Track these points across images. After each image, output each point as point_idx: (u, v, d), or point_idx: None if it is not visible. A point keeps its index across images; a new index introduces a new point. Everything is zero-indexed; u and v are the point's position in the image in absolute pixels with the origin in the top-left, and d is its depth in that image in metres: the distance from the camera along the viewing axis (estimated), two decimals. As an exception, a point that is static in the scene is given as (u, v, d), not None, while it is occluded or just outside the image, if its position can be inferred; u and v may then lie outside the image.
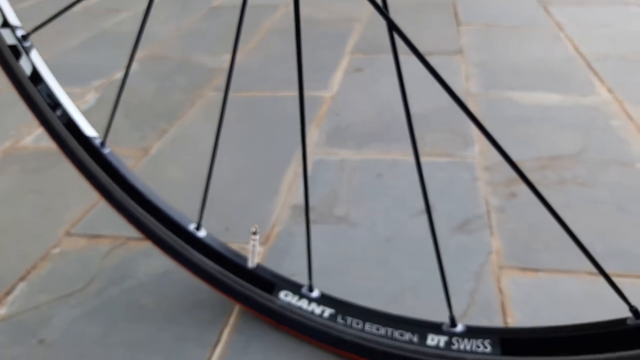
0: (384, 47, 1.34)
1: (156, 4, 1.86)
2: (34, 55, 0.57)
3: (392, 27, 0.39)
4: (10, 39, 0.55)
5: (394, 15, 1.57)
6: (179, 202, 0.74)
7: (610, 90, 1.05)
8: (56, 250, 0.71)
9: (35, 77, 0.58)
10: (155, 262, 0.67)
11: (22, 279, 0.66)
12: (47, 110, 0.59)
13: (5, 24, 0.55)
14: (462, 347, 0.45)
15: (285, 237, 0.71)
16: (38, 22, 1.74)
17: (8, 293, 0.64)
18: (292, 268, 0.65)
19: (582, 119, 0.95)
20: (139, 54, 1.41)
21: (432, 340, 0.46)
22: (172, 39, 1.52)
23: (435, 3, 1.70)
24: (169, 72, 1.29)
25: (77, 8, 1.91)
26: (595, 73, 1.13)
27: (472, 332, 0.45)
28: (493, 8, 1.62)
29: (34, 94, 0.58)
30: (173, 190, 0.82)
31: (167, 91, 1.18)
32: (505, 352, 0.42)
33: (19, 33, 0.56)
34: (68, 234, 0.74)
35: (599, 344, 0.38)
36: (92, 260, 0.69)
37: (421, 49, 1.32)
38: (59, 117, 0.58)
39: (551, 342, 0.40)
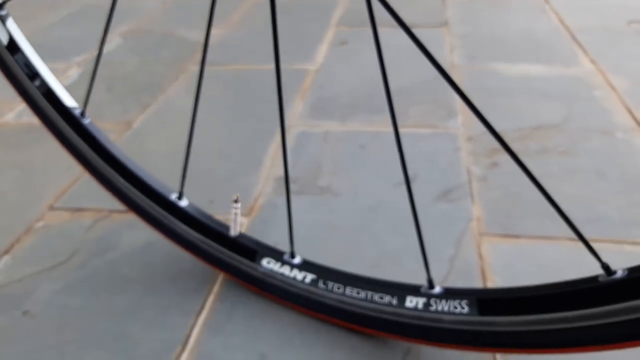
0: (367, 19, 1.33)
1: (139, -22, 1.83)
2: (10, 24, 0.56)
3: None
4: (-16, 8, 0.54)
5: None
6: (162, 175, 0.74)
7: (593, 61, 1.06)
8: (39, 224, 0.71)
9: (12, 46, 0.57)
10: (138, 233, 0.67)
11: (6, 252, 0.66)
12: (25, 80, 0.58)
13: (-21, -8, 0.54)
14: (439, 308, 0.45)
15: (268, 208, 0.71)
16: (18, -2, 1.71)
17: (-9, 265, 0.64)
18: (276, 238, 0.65)
19: (565, 90, 0.96)
20: (122, 28, 1.39)
21: (411, 302, 0.47)
22: (157, 13, 1.49)
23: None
24: (152, 46, 1.27)
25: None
26: (579, 44, 1.14)
27: (450, 294, 0.45)
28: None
29: (11, 64, 0.58)
30: (156, 163, 0.82)
31: (151, 65, 1.17)
32: (482, 312, 0.43)
33: (-6, 2, 0.55)
34: (51, 207, 0.74)
35: (573, 302, 0.39)
36: (76, 233, 0.69)
37: (407, 21, 1.32)
38: (38, 87, 0.58)
39: (526, 301, 0.41)
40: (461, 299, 0.44)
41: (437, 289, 0.46)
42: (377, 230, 0.66)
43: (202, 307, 0.56)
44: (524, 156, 0.78)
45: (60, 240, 0.68)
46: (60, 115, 0.59)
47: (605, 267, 0.37)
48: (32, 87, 0.58)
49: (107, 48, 1.27)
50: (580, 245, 0.62)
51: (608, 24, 1.24)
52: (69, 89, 1.06)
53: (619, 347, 0.37)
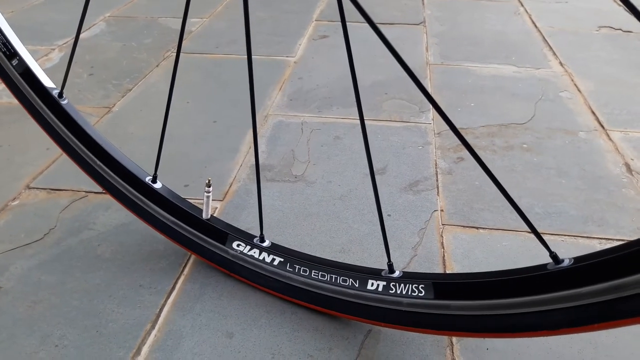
0: (349, 15, 1.35)
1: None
2: (-10, 4, 0.57)
3: None
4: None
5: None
6: (140, 157, 0.75)
7: (562, 64, 1.09)
8: (15, 203, 0.72)
9: (-9, 25, 0.58)
10: (113, 214, 0.69)
11: (-20, 229, 0.67)
12: (2, 59, 0.59)
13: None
14: (398, 291, 0.48)
15: (242, 194, 0.73)
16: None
17: (-35, 241, 0.65)
18: (249, 222, 0.68)
19: (534, 90, 0.99)
20: (106, 14, 1.39)
21: (372, 285, 0.49)
22: (142, 0, 1.50)
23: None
24: (135, 32, 1.28)
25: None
26: (550, 47, 1.17)
27: (408, 277, 0.48)
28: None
29: (-10, 44, 0.59)
30: (134, 146, 0.83)
31: (133, 51, 1.18)
32: (437, 296, 0.46)
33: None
34: (28, 187, 0.75)
35: (523, 288, 0.42)
36: (51, 213, 0.70)
37: (386, 19, 1.34)
38: (15, 67, 0.59)
39: (479, 286, 0.44)
40: (418, 283, 0.47)
41: (396, 273, 0.49)
42: (347, 218, 0.68)
43: (173, 287, 0.58)
44: (490, 152, 0.81)
45: (35, 219, 0.69)
46: (38, 95, 0.60)
47: (554, 256, 0.40)
48: (10, 66, 0.59)
49: (90, 33, 1.27)
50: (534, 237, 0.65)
51: (578, 28, 1.28)
52: (50, 71, 1.06)
53: (566, 332, 0.40)
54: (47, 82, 0.60)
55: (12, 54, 0.59)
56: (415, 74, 0.41)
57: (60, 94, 0.60)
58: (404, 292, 0.48)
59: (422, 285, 0.47)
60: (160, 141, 0.57)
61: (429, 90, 1.00)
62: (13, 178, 0.77)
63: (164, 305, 0.56)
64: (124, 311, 0.56)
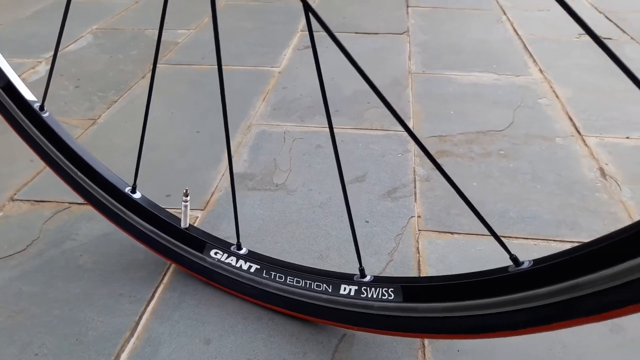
0: (332, 25, 1.37)
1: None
2: (-28, 20, 0.59)
3: (308, 9, 0.43)
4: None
5: (347, -6, 1.60)
6: (124, 168, 0.76)
7: (541, 71, 1.11)
8: (-1, 215, 0.73)
9: (-27, 42, 0.59)
10: (95, 225, 0.70)
11: (-37, 240, 0.68)
12: (-16, 74, 0.60)
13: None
14: (370, 295, 0.49)
15: (223, 203, 0.74)
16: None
17: (-52, 253, 0.66)
18: (229, 231, 0.69)
19: (513, 97, 1.01)
20: (93, 26, 1.40)
21: (345, 289, 0.51)
22: (128, 12, 1.51)
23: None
24: (122, 45, 1.29)
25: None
26: (530, 54, 1.19)
27: (379, 282, 0.49)
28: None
29: (-29, 57, 0.60)
30: (118, 158, 0.84)
31: (119, 63, 1.19)
32: (405, 299, 0.47)
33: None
34: (12, 199, 0.76)
35: (486, 290, 0.43)
36: (35, 224, 0.71)
37: (370, 29, 1.36)
38: (-3, 81, 0.60)
39: (445, 289, 0.45)
40: (388, 286, 0.48)
41: (368, 278, 0.50)
42: (326, 225, 0.70)
43: (152, 296, 0.59)
44: (467, 159, 0.82)
45: (19, 230, 0.70)
46: (19, 108, 0.61)
47: (514, 258, 0.42)
48: (-8, 80, 0.60)
49: (77, 45, 1.29)
50: (510, 240, 0.66)
51: (559, 36, 1.30)
52: (37, 83, 1.08)
53: (527, 332, 0.41)
54: (28, 95, 0.61)
55: (-8, 67, 0.60)
56: (379, 90, 0.42)
57: (42, 107, 0.61)
58: (374, 296, 0.49)
59: (392, 289, 0.48)
60: (139, 152, 0.58)
61: (410, 99, 1.01)
62: (-3, 190, 0.78)
63: (143, 313, 0.57)
64: (104, 319, 0.57)
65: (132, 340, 0.54)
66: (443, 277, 0.46)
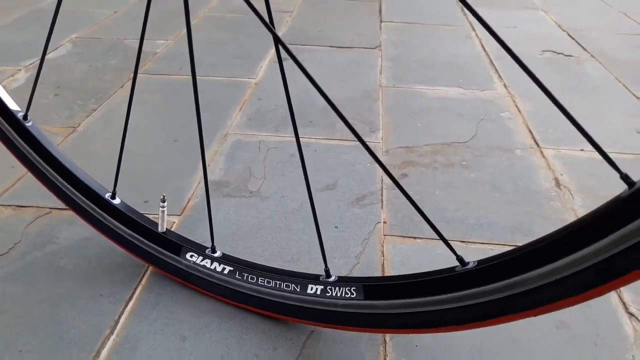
0: (308, 38, 1.42)
1: (91, -15, 1.86)
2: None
3: (278, 42, 0.47)
4: None
5: (317, 8, 1.65)
6: (103, 175, 0.79)
7: (506, 86, 1.18)
8: (-19, 219, 0.75)
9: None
10: (76, 229, 0.73)
11: (-54, 244, 0.70)
12: (-29, 85, 0.63)
13: None
14: (334, 293, 0.53)
15: (199, 209, 0.78)
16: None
17: None
18: (204, 235, 0.72)
19: (477, 110, 1.07)
20: (73, 35, 1.43)
21: (312, 289, 0.55)
22: (108, 22, 1.54)
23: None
24: (101, 54, 1.32)
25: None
26: (496, 70, 1.26)
27: (342, 281, 0.53)
28: (416, 6, 1.73)
29: (-41, 70, 0.63)
30: (98, 164, 0.87)
31: (98, 72, 1.22)
32: (366, 297, 0.51)
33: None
34: (-7, 204, 0.78)
35: (437, 288, 0.47)
36: (17, 228, 0.73)
37: (344, 43, 1.41)
38: (-19, 91, 0.63)
39: (401, 287, 0.50)
40: (350, 285, 0.52)
41: (332, 278, 0.54)
42: (297, 230, 0.74)
43: (131, 296, 0.63)
44: (432, 169, 0.87)
45: (1, 234, 0.72)
46: (3, 118, 0.64)
47: (460, 259, 0.46)
48: (-24, 90, 0.63)
49: (57, 54, 1.31)
50: (468, 245, 0.71)
51: (524, 52, 1.37)
52: (16, 91, 1.10)
53: (473, 327, 0.46)
54: (12, 105, 0.64)
55: (-21, 79, 0.63)
56: (338, 109, 0.46)
57: (25, 117, 0.64)
58: (339, 295, 0.53)
59: (354, 288, 0.52)
60: (119, 160, 0.62)
61: (380, 111, 1.06)
62: (-21, 195, 0.80)
63: (122, 313, 0.60)
64: (85, 318, 0.60)
65: (112, 337, 0.57)
66: (399, 277, 0.51)
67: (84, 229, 0.72)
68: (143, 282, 0.65)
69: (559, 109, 0.38)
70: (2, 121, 0.64)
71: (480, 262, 0.45)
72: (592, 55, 1.36)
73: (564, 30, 1.55)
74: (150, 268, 0.66)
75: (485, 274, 0.44)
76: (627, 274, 0.37)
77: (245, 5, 1.69)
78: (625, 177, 0.38)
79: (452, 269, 0.47)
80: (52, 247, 0.70)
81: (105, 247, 0.69)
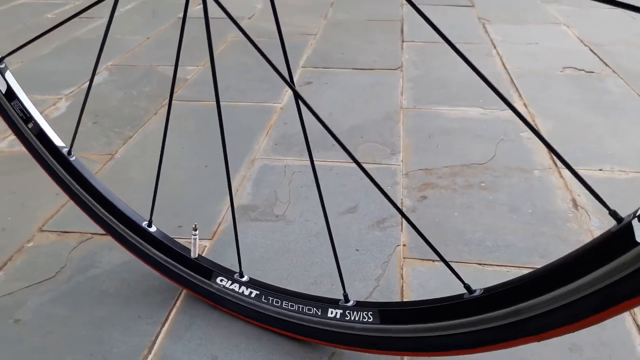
0: (332, 61, 1.47)
1: (127, 13, 1.95)
2: (8, 75, 0.68)
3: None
4: (-12, 64, 0.66)
5: (340, 29, 1.69)
6: (139, 200, 0.85)
7: (525, 105, 1.20)
8: (30, 245, 0.82)
9: (10, 94, 0.68)
10: (117, 253, 0.79)
11: (-1, 269, 0.77)
12: (20, 123, 0.69)
13: (-15, 51, 0.65)
14: (352, 317, 0.57)
15: (229, 233, 0.82)
16: (10, 28, 1.83)
17: (-13, 280, 0.74)
18: (233, 258, 0.77)
19: (497, 131, 1.09)
20: (108, 62, 1.51)
21: (332, 313, 0.59)
22: (141, 48, 1.62)
23: (385, 19, 1.83)
24: (135, 81, 1.39)
25: (51, 15, 1.99)
26: (516, 88, 1.28)
27: (360, 306, 0.57)
28: (438, 24, 1.76)
29: (9, 109, 0.69)
30: (134, 191, 0.93)
31: (133, 99, 1.29)
32: (382, 321, 0.55)
33: (-5, 58, 0.66)
34: (40, 230, 0.85)
35: (446, 314, 0.51)
36: (62, 253, 0.80)
37: (366, 65, 1.45)
38: (31, 129, 0.69)
39: (414, 313, 0.53)
40: (367, 310, 0.56)
41: (351, 302, 0.58)
42: (320, 253, 0.78)
43: (167, 318, 0.68)
44: (451, 191, 0.91)
45: (48, 259, 0.79)
46: (50, 153, 0.70)
47: (467, 287, 0.50)
48: (27, 129, 0.70)
49: (94, 81, 1.39)
50: (485, 268, 0.74)
51: (544, 69, 1.39)
52: (58, 120, 1.17)
53: (482, 351, 0.49)
54: (57, 141, 0.70)
55: (28, 118, 0.69)
56: (337, 137, 0.50)
57: (69, 152, 0.70)
58: (356, 319, 0.57)
59: (371, 312, 0.56)
60: (155, 190, 0.67)
61: (401, 133, 1.10)
62: (27, 221, 0.86)
63: (159, 334, 0.65)
64: (125, 339, 0.65)
65: (150, 357, 0.62)
66: (412, 302, 0.54)
67: (124, 254, 0.78)
68: (178, 304, 0.70)
69: (531, 130, 0.41)
70: (49, 156, 0.70)
71: (486, 289, 0.49)
72: (613, 71, 1.37)
73: (586, 46, 1.56)
74: (184, 291, 0.71)
75: (491, 301, 0.47)
76: (622, 303, 0.40)
77: (271, 28, 1.75)
78: (614, 214, 0.42)
79: (460, 296, 0.51)
80: (95, 271, 0.76)
81: (143, 271, 0.75)
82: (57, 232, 0.84)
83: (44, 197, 0.92)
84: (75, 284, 0.74)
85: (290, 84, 0.51)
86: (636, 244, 0.39)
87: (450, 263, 0.75)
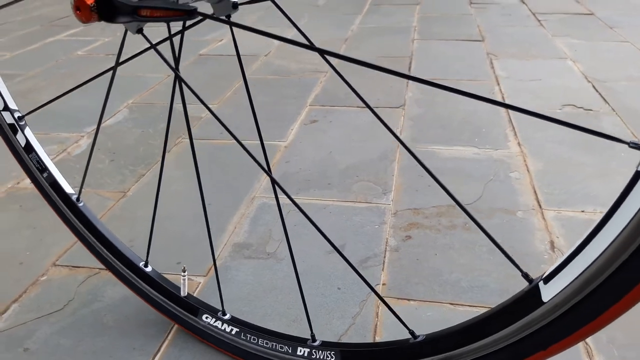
0: (338, 99, 1.54)
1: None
2: (27, 131, 0.77)
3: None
4: (9, 119, 0.75)
5: (351, 67, 1.77)
6: (144, 238, 0.93)
7: (519, 144, 1.24)
8: (44, 278, 0.90)
9: (28, 147, 0.77)
10: (119, 288, 0.86)
11: (14, 301, 0.85)
12: (37, 173, 0.78)
13: (6, 108, 0.74)
14: (317, 356, 0.63)
15: (222, 270, 0.89)
16: (43, 65, 1.96)
17: (3, 312, 0.83)
18: (225, 295, 0.84)
19: (488, 171, 1.14)
20: (129, 100, 1.61)
21: (300, 351, 0.64)
22: (160, 86, 1.72)
23: (395, 55, 1.90)
24: (153, 119, 1.49)
25: (81, 52, 2.13)
26: (513, 127, 1.32)
27: (325, 346, 0.63)
28: (444, 61, 1.82)
29: (27, 161, 0.78)
30: (141, 229, 1.01)
31: (149, 137, 1.38)
32: (343, 360, 0.61)
33: (16, 115, 0.76)
34: (54, 264, 0.93)
35: (395, 356, 0.56)
36: (71, 287, 0.88)
37: (370, 103, 1.52)
38: (45, 179, 0.78)
39: (368, 354, 0.59)
40: (331, 350, 0.62)
41: (317, 342, 0.64)
42: (304, 292, 0.84)
43: (159, 350, 0.74)
44: (434, 231, 0.96)
45: (58, 292, 0.87)
46: (61, 199, 0.78)
47: (411, 332, 0.55)
48: (42, 178, 0.78)
49: (114, 119, 1.49)
50: (457, 308, 0.79)
51: (543, 107, 1.43)
52: (78, 158, 1.27)
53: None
54: (68, 189, 0.79)
55: (43, 168, 0.78)
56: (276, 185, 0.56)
57: (78, 199, 0.78)
58: (321, 357, 0.62)
59: (333, 352, 0.62)
60: (150, 236, 0.74)
61: (395, 172, 1.15)
62: (43, 256, 0.95)
63: (150, 365, 0.72)
64: (119, 369, 0.72)
65: (139, 387, 0.69)
66: (368, 344, 0.60)
67: (125, 289, 0.85)
68: (169, 337, 0.76)
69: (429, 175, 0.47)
70: (61, 202, 0.79)
71: (428, 335, 0.54)
72: (612, 109, 1.40)
73: (589, 82, 1.59)
74: (175, 326, 0.78)
75: (430, 346, 0.53)
76: (533, 355, 0.45)
77: (285, 66, 1.83)
78: (525, 275, 0.47)
79: (407, 340, 0.56)
80: (98, 304, 0.84)
81: (140, 306, 0.82)
82: (69, 267, 0.92)
83: (60, 234, 1.01)
84: (80, 316, 0.81)
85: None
86: (542, 303, 0.44)
87: (424, 303, 0.80)
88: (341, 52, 1.98)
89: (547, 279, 0.44)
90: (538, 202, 1.03)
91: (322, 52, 0.47)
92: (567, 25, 2.21)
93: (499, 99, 1.49)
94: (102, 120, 1.49)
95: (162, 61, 0.65)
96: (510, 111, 1.41)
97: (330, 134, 1.34)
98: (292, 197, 1.07)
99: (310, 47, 0.51)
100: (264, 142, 1.31)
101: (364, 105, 0.55)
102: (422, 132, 1.32)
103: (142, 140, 1.37)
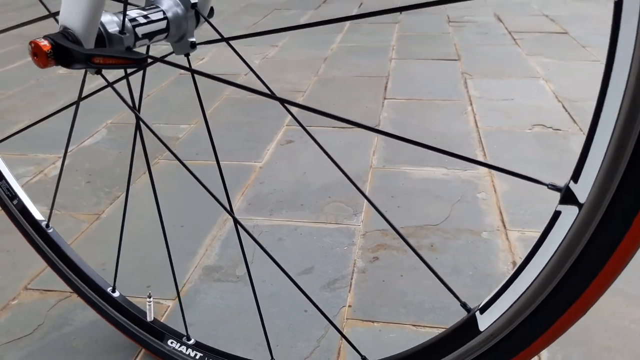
0: (315, 119, 1.56)
1: (131, 69, 2.09)
2: (-2, 159, 0.79)
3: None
4: (-20, 148, 0.77)
5: (328, 87, 1.79)
6: (114, 261, 0.94)
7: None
8: (14, 302, 0.91)
9: (-2, 175, 0.79)
10: (89, 312, 0.87)
11: (-15, 325, 0.86)
12: (6, 200, 0.80)
13: (-24, 138, 0.76)
14: (278, 380, 0.64)
15: (192, 294, 0.91)
16: (23, 84, 1.97)
17: (-28, 337, 0.84)
18: (193, 319, 0.85)
19: (456, 192, 1.16)
20: (108, 120, 1.63)
21: (261, 375, 0.66)
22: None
23: (372, 75, 1.94)
24: (131, 140, 1.50)
25: (62, 71, 2.14)
26: (482, 147, 1.35)
27: (284, 370, 0.65)
28: (420, 80, 1.86)
29: (-3, 188, 0.79)
30: (113, 252, 1.02)
31: (126, 158, 1.40)
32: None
33: (-14, 145, 0.77)
34: (26, 288, 0.94)
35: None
36: (41, 310, 0.88)
37: (343, 123, 1.54)
38: (15, 205, 0.79)
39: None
40: (289, 374, 0.63)
41: (277, 367, 0.66)
42: (271, 314, 0.85)
43: (126, 374, 0.76)
44: (401, 252, 0.98)
45: (29, 316, 0.88)
46: (31, 226, 0.80)
47: (363, 357, 0.57)
48: (12, 205, 0.80)
49: (93, 140, 1.51)
50: (418, 329, 0.81)
51: (514, 127, 1.46)
52: (54, 179, 1.28)
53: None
54: (38, 216, 0.80)
55: (12, 196, 0.79)
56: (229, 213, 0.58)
57: (47, 225, 0.80)
58: (281, 382, 0.64)
59: (292, 377, 0.63)
60: (117, 261, 0.76)
61: (366, 193, 1.18)
62: (15, 280, 0.96)
63: (116, 389, 0.73)
64: (86, 394, 0.73)
65: (104, 412, 0.70)
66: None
67: (94, 313, 0.86)
68: (136, 361, 0.78)
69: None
70: (30, 229, 0.80)
71: (380, 360, 0.56)
72: (580, 129, 1.44)
73: (559, 101, 1.63)
74: (143, 350, 0.79)
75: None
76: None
77: (261, 87, 1.86)
78: (464, 305, 0.49)
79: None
80: (68, 328, 0.85)
81: (109, 330, 0.83)
82: (40, 290, 0.93)
83: (32, 257, 1.01)
84: (49, 340, 0.82)
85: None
86: (479, 332, 0.46)
87: (387, 324, 0.82)
88: (320, 72, 2.01)
89: (483, 309, 0.46)
90: (503, 222, 1.05)
91: (282, 101, 0.49)
92: (541, 44, 2.27)
93: (471, 119, 1.53)
94: (80, 141, 1.50)
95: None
96: (482, 132, 1.44)
97: (305, 155, 1.36)
98: (265, 218, 1.10)
99: (271, 96, 0.53)
100: (240, 162, 1.33)
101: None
102: (394, 152, 1.35)
103: (119, 161, 1.38)
